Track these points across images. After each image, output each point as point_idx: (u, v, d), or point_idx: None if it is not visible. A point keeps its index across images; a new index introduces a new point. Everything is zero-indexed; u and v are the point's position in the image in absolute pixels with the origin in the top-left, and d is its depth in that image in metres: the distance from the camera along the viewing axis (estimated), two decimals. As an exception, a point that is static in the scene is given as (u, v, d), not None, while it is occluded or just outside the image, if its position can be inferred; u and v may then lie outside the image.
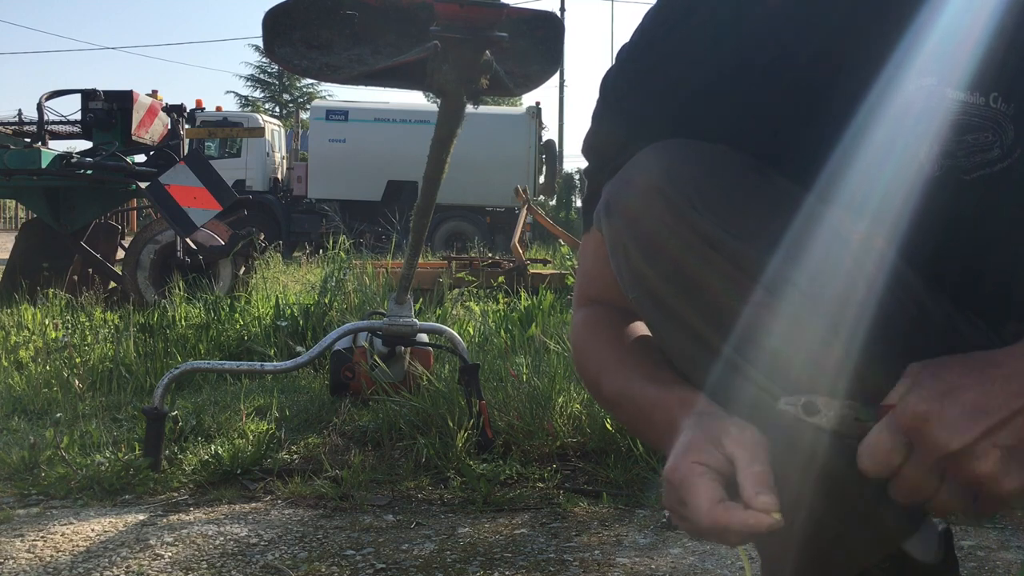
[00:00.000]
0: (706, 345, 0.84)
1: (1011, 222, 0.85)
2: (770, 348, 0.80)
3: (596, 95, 1.02)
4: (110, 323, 4.62)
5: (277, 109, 33.63)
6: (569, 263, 7.44)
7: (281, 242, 10.98)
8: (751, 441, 0.77)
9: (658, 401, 0.88)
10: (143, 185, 5.93)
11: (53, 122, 6.93)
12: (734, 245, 0.81)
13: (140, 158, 6.98)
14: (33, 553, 1.84)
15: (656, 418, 0.87)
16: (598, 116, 1.01)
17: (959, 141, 0.82)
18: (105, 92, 6.73)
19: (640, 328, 0.99)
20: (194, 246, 6.16)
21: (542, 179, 16.92)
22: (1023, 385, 0.70)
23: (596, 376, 0.99)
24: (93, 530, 1.98)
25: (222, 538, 1.93)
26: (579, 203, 25.64)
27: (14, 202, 20.38)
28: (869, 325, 0.78)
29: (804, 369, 0.80)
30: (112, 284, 6.46)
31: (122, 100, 6.69)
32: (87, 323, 4.64)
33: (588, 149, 1.03)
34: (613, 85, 0.99)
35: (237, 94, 35.28)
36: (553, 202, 21.81)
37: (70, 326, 4.52)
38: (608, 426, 2.43)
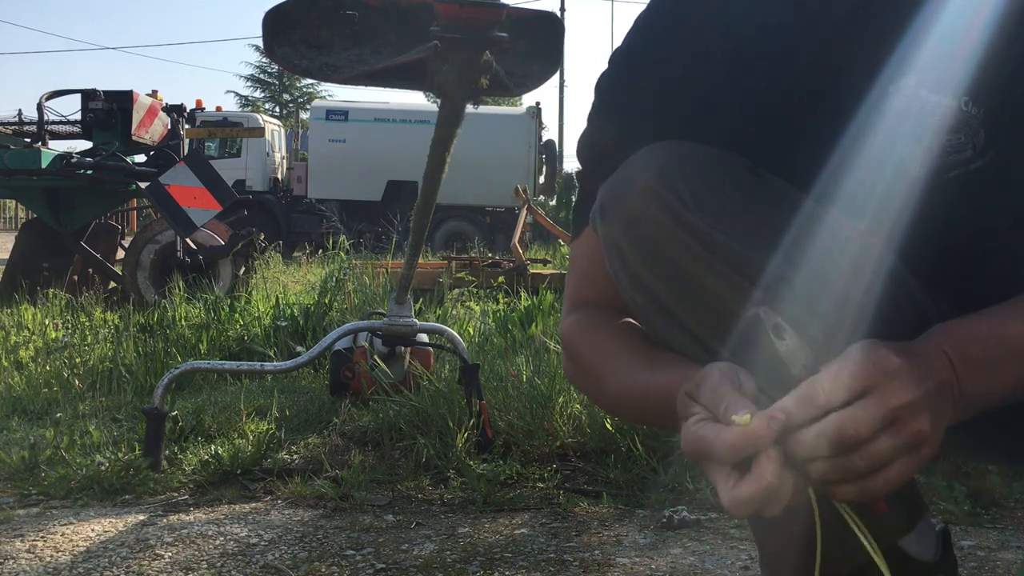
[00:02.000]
0: (704, 347, 0.84)
1: (992, 223, 0.87)
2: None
3: (593, 96, 1.02)
4: (110, 323, 4.62)
5: (277, 109, 33.63)
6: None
7: (281, 242, 10.99)
8: (707, 378, 0.75)
9: (666, 389, 0.85)
10: (143, 185, 5.94)
11: (53, 122, 6.94)
12: (729, 246, 0.81)
13: (140, 158, 6.99)
14: (33, 553, 1.84)
15: (668, 408, 0.84)
16: (592, 119, 1.01)
17: (938, 142, 0.83)
18: (105, 92, 6.73)
19: (635, 322, 0.98)
20: (194, 246, 6.16)
21: (542, 179, 16.93)
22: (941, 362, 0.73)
23: (596, 376, 0.97)
24: (93, 530, 1.98)
25: (222, 538, 1.93)
26: (573, 205, 25.59)
27: (14, 202, 20.39)
28: (865, 326, 0.78)
29: (800, 371, 0.80)
30: (112, 284, 6.47)
31: (122, 100, 6.70)
32: (87, 323, 4.64)
33: (582, 151, 1.03)
34: (607, 88, 1.00)
35: (237, 94, 35.30)
36: (553, 202, 21.80)
37: (70, 326, 4.52)
38: (608, 426, 2.43)
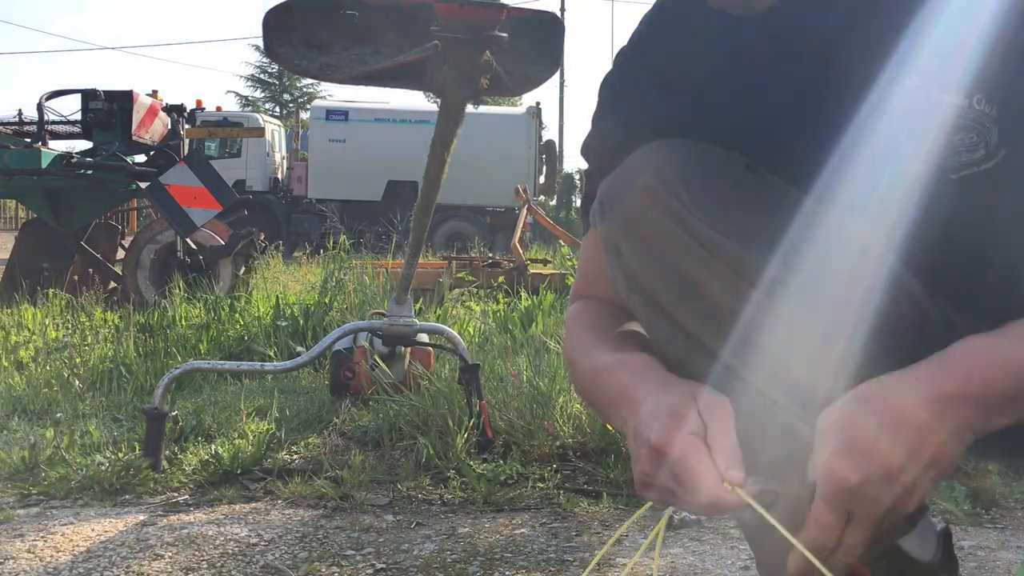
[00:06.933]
0: (699, 346, 0.84)
1: (1002, 222, 0.85)
2: (766, 351, 0.80)
3: (596, 96, 1.03)
4: (110, 323, 4.62)
5: (277, 109, 33.59)
6: (569, 263, 7.44)
7: (281, 242, 10.98)
8: (725, 413, 0.77)
9: (612, 366, 0.89)
10: (143, 185, 5.93)
11: (53, 122, 6.93)
12: (727, 246, 0.81)
13: (140, 158, 6.98)
14: (33, 553, 1.84)
15: (607, 381, 0.88)
16: (596, 118, 1.03)
17: (946, 142, 0.82)
18: (105, 92, 6.73)
19: (628, 315, 0.99)
20: (194, 246, 6.16)
21: (542, 179, 16.92)
22: (929, 434, 0.72)
23: (572, 357, 1.00)
24: (93, 530, 1.98)
25: (222, 538, 1.93)
26: (579, 203, 25.63)
27: (14, 202, 20.36)
28: (866, 328, 0.78)
29: (801, 373, 0.80)
30: (112, 284, 6.47)
31: (122, 100, 6.69)
32: (87, 323, 4.64)
33: (586, 150, 1.04)
34: (611, 87, 1.01)
35: (237, 94, 35.17)
36: (553, 202, 21.81)
37: (70, 326, 4.52)
38: (608, 426, 2.43)
